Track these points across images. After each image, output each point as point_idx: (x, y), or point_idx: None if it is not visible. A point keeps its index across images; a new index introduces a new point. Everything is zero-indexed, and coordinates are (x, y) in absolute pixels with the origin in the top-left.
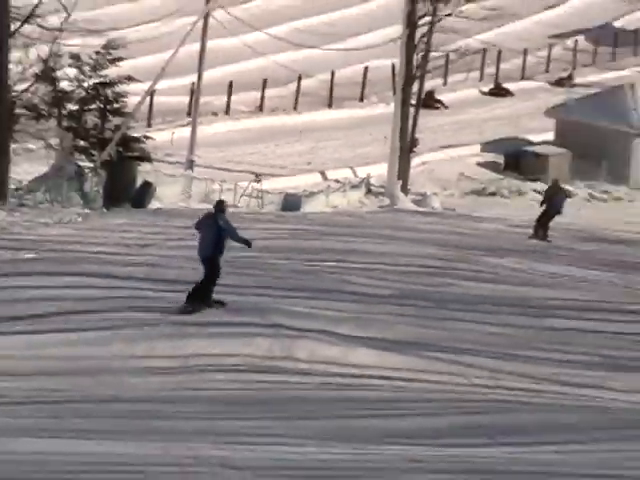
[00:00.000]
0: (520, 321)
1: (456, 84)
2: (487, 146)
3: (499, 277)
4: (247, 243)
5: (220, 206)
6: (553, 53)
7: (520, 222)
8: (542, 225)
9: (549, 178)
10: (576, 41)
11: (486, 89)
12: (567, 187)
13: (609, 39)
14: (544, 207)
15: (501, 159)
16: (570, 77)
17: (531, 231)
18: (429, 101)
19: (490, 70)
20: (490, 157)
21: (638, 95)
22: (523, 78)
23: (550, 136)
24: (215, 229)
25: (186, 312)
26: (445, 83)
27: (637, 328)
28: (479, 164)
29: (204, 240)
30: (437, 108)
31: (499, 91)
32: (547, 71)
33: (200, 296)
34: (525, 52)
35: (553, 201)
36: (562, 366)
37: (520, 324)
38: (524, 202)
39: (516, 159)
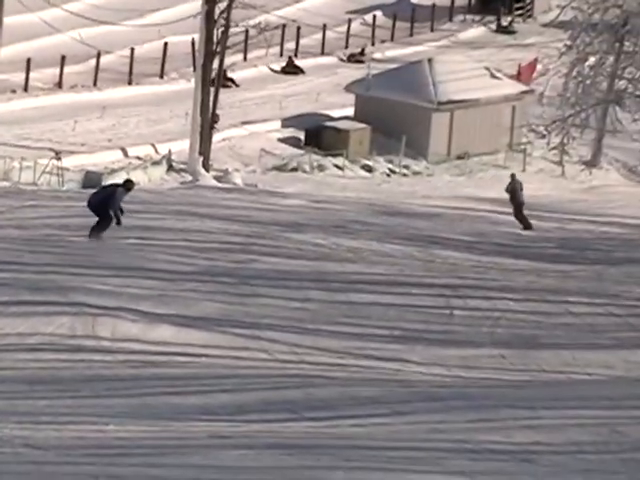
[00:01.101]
0: (323, 296)
1: (256, 60)
2: (288, 122)
3: (302, 253)
4: (118, 221)
5: (127, 184)
6: (352, 28)
7: (323, 198)
8: (521, 217)
9: (350, 152)
10: (374, 16)
11: (278, 67)
12: (366, 161)
13: (407, 14)
14: (512, 201)
15: (302, 135)
16: (363, 52)
17: (520, 225)
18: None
19: (290, 45)
20: (291, 133)
21: (436, 70)
22: (323, 54)
23: (350, 111)
24: (107, 195)
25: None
26: (245, 59)
27: (435, 301)
28: (280, 140)
29: (95, 197)
30: (228, 86)
31: (291, 69)
32: (347, 47)
33: (97, 231)
34: (324, 28)
35: (516, 194)
36: (364, 340)
37: (323, 299)
38: (325, 177)
39: (317, 134)
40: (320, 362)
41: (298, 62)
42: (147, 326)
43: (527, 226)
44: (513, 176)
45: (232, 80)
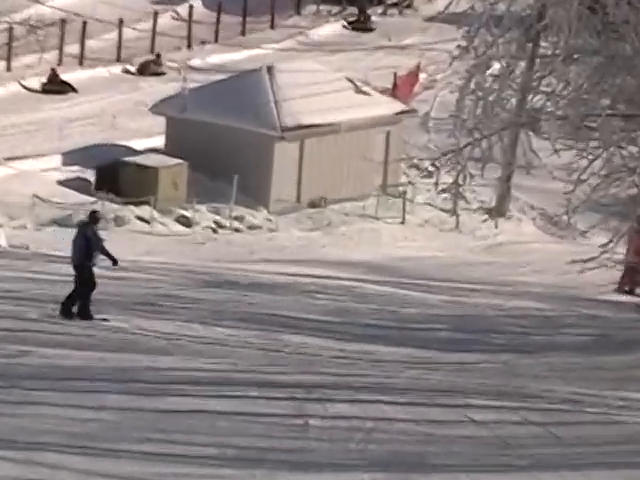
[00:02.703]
0: (125, 402)
1: (24, 69)
2: (71, 156)
3: (95, 341)
4: (113, 260)
5: (92, 217)
6: (161, 25)
7: (123, 264)
8: None
9: (160, 200)
10: (191, 7)
11: (38, 84)
12: (182, 211)
13: (237, 5)
14: None
15: (91, 175)
16: (159, 60)
17: None
18: None
19: (73, 49)
20: (76, 172)
21: (279, 83)
22: (119, 60)
23: (160, 142)
24: (83, 238)
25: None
26: (9, 69)
27: (284, 407)
28: (60, 183)
29: (74, 248)
30: None
31: (56, 87)
32: (152, 51)
33: (78, 307)
34: (120, 24)
35: None
36: (186, 464)
37: (125, 406)
38: (126, 234)
39: (113, 174)
40: None
41: (68, 76)
42: None
43: None
44: None
45: None
